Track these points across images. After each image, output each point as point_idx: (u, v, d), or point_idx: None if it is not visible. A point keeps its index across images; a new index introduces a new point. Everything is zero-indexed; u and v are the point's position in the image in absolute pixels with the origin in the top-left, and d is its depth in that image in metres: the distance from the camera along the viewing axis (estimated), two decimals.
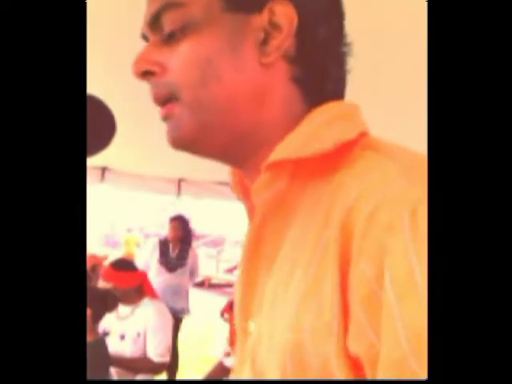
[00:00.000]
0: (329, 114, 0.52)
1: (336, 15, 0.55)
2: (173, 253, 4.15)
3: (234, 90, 0.51)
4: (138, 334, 2.55)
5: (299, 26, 0.51)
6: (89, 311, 2.19)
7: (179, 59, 0.51)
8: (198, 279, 4.32)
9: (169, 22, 0.51)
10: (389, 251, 0.39)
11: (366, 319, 0.40)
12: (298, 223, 0.50)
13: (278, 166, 0.49)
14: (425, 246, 0.39)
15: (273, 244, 0.52)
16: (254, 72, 0.51)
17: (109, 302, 2.38)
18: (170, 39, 0.52)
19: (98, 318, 2.28)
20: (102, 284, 2.56)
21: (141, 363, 2.53)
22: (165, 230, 4.58)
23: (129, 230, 13.82)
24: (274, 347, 0.47)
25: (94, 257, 4.26)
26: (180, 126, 0.53)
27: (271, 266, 0.51)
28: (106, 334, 2.47)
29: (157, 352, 2.54)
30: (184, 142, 0.54)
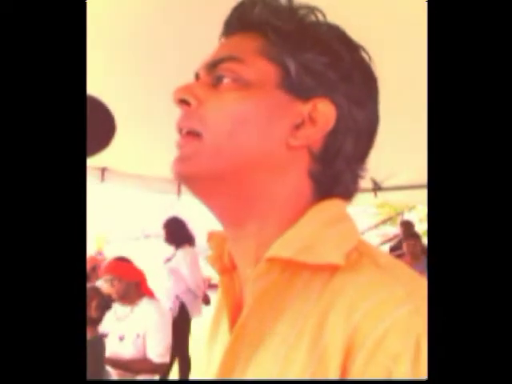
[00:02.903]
0: (328, 215, 0.54)
1: (366, 140, 0.57)
2: (172, 254, 4.16)
3: (255, 154, 0.53)
4: (138, 335, 2.55)
5: (332, 131, 0.53)
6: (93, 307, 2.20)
7: (218, 103, 0.53)
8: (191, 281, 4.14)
9: (224, 69, 0.54)
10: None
11: None
12: (287, 316, 0.50)
13: (278, 259, 0.50)
14: (423, 373, 0.41)
15: (258, 333, 0.52)
16: (278, 148, 0.53)
17: (99, 304, 2.37)
18: (218, 83, 0.54)
19: (90, 318, 2.27)
20: (102, 287, 2.55)
21: (141, 364, 2.53)
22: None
23: (102, 229, 14.37)
24: None
25: (94, 258, 4.27)
26: (193, 161, 0.53)
27: (253, 355, 0.52)
28: (104, 335, 2.46)
29: (157, 352, 2.54)
30: (189, 177, 0.54)
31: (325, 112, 0.53)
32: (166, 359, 2.61)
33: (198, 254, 4.23)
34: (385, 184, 3.41)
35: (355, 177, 0.57)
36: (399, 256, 4.00)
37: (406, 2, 1.16)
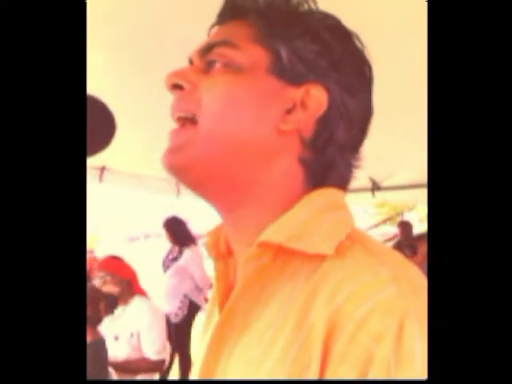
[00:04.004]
0: (324, 202, 0.53)
1: (359, 128, 0.57)
2: (172, 254, 4.16)
3: (245, 137, 0.53)
4: (132, 335, 2.55)
5: (323, 117, 0.53)
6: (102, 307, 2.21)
7: (211, 84, 0.53)
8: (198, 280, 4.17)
9: (216, 54, 0.54)
10: (375, 360, 0.41)
11: None
12: (276, 300, 0.50)
13: (269, 244, 0.50)
14: (406, 357, 0.41)
15: (246, 316, 0.52)
16: (269, 132, 0.53)
17: (107, 305, 2.37)
18: (210, 67, 0.55)
19: (97, 319, 2.27)
20: (104, 287, 2.56)
21: (139, 364, 2.53)
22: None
23: (95, 230, 14.54)
24: None
25: (91, 259, 4.28)
26: (184, 151, 0.53)
27: (240, 337, 0.52)
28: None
29: (153, 350, 2.54)
30: (180, 168, 0.54)
31: (317, 97, 0.53)
32: (164, 356, 2.61)
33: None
34: (384, 184, 3.41)
35: (349, 166, 0.57)
36: (408, 257, 3.90)
37: (406, 2, 1.16)
